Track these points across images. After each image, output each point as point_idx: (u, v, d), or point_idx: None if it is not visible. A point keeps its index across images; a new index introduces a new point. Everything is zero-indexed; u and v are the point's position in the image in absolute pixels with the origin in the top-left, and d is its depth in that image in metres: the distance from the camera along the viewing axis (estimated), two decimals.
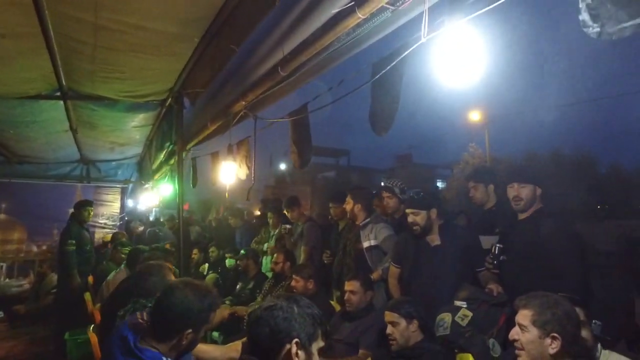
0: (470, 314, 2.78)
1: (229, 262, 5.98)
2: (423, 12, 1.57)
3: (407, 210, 3.35)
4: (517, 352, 1.90)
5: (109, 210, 9.02)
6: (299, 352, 1.50)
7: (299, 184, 26.64)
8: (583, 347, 2.06)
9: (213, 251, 6.20)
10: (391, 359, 2.72)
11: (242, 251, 5.37)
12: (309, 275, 3.96)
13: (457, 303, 2.91)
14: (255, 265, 5.16)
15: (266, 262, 5.45)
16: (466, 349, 2.66)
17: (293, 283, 3.93)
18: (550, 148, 16.74)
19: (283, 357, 1.50)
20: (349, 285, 3.36)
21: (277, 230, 5.49)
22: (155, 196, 7.30)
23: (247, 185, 3.86)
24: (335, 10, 1.74)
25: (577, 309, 2.09)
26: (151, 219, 11.32)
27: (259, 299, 4.67)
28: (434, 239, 3.34)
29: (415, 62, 1.81)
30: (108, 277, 4.53)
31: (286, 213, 5.26)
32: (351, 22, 1.74)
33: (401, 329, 2.67)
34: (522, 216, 3.15)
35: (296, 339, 1.51)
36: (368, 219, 4.15)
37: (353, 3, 1.67)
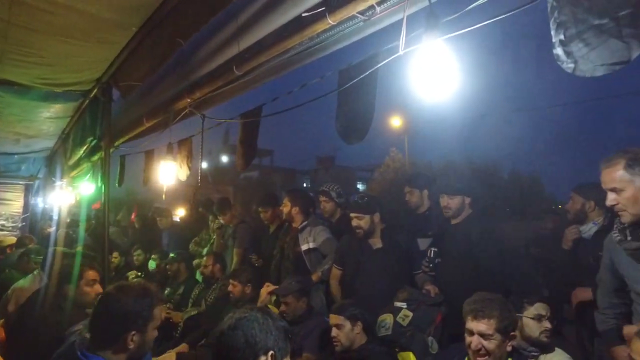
0: (410, 314, 2.91)
1: (151, 264, 5.64)
2: (392, 23, 1.60)
3: (352, 215, 3.42)
4: (481, 359, 2.02)
5: (8, 209, 7.99)
6: None
7: (221, 184, 25.88)
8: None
9: (139, 254, 5.79)
10: None
11: (171, 254, 5.08)
12: (247, 280, 3.88)
13: (398, 304, 3.04)
14: (187, 269, 4.92)
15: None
16: (407, 347, 2.78)
17: (230, 288, 3.82)
18: (463, 155, 18.14)
19: None
20: (283, 298, 3.35)
21: (218, 233, 5.33)
22: (70, 194, 6.62)
23: (174, 185, 3.66)
24: (305, 13, 1.71)
25: (544, 305, 2.30)
26: (55, 218, 10.23)
27: (190, 305, 4.46)
28: (376, 242, 3.44)
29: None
30: (16, 284, 4.00)
31: (218, 217, 5.15)
32: (320, 26, 1.72)
33: (346, 331, 2.71)
34: (454, 221, 3.39)
35: (272, 351, 1.49)
36: (306, 222, 4.17)
37: (324, 8, 1.66)
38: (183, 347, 3.48)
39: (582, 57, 1.16)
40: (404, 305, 2.98)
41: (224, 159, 32.03)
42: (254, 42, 2.14)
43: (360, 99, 1.82)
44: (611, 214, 3.15)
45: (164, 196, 3.59)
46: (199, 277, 5.11)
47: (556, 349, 2.32)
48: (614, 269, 2.24)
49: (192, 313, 4.05)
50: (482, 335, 2.01)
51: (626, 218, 2.02)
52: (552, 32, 1.20)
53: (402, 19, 1.50)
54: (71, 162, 5.49)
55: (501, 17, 1.32)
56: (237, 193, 25.51)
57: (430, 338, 2.83)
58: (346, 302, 2.89)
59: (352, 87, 1.86)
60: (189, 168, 3.60)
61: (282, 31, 1.94)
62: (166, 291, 4.88)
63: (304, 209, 4.30)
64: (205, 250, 5.48)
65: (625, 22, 1.10)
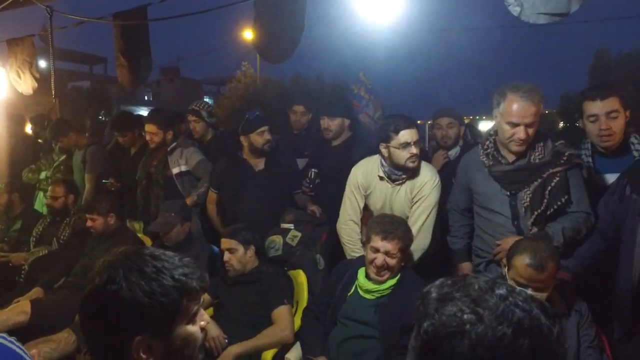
0: (299, 234, 2.99)
1: None
2: None
3: (263, 129, 3.21)
4: (382, 272, 2.22)
5: None
6: None
7: (43, 95, 21.62)
8: None
9: None
10: (227, 285, 2.70)
11: None
12: (108, 210, 3.41)
13: (285, 225, 3.09)
14: (22, 200, 4.10)
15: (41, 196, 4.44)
16: (297, 266, 2.89)
17: (89, 223, 3.32)
18: (314, 73, 18.28)
19: None
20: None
21: (64, 157, 4.50)
22: None
23: None
24: None
25: (410, 131, 2.50)
26: None
27: (33, 244, 3.77)
28: (259, 164, 3.34)
29: None
30: None
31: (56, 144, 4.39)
32: None
33: (239, 255, 2.65)
34: (334, 143, 3.49)
35: None
36: (175, 143, 3.83)
37: None
38: (36, 291, 2.98)
39: (526, 2, 1.17)
40: (291, 226, 3.04)
41: (43, 63, 26.50)
42: None
43: (286, 10, 1.55)
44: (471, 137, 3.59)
45: None
46: (40, 208, 4.34)
47: (422, 168, 2.60)
48: (467, 188, 2.47)
49: (40, 253, 3.44)
50: (387, 253, 2.18)
51: (519, 148, 2.10)
52: None
53: None
54: None
55: None
56: (64, 105, 21.75)
57: (317, 255, 2.98)
58: (239, 226, 2.79)
59: None
60: (36, 79, 2.77)
61: None
62: None
63: (175, 130, 3.93)
64: (43, 175, 4.63)
65: None
